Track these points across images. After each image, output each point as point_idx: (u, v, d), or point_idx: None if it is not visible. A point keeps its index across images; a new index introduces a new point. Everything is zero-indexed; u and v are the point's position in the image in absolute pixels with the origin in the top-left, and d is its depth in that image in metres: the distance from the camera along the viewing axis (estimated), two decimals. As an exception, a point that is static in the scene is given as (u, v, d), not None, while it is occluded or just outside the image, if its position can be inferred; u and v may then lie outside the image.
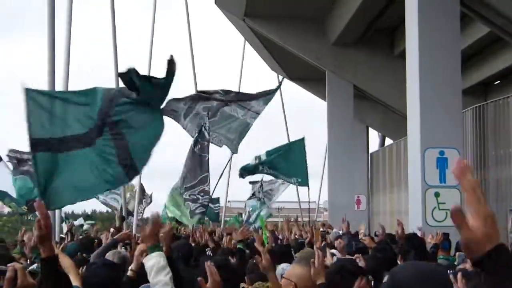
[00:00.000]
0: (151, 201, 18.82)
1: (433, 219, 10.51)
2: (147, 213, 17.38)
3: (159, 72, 5.47)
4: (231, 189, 20.99)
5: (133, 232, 13.29)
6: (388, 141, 26.84)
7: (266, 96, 10.77)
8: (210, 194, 10.38)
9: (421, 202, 10.61)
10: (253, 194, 16.50)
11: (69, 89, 9.49)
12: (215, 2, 20.02)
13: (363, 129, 26.21)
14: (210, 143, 10.66)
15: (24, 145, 10.86)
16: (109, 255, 5.72)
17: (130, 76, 5.31)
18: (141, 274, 4.91)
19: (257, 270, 4.57)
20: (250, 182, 17.65)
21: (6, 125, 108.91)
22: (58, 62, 8.74)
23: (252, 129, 11.26)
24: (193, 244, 8.14)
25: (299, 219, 20.92)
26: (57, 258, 2.80)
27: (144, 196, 17.69)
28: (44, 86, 8.40)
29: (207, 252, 7.61)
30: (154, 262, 3.54)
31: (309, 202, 14.61)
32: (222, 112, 10.93)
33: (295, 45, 20.54)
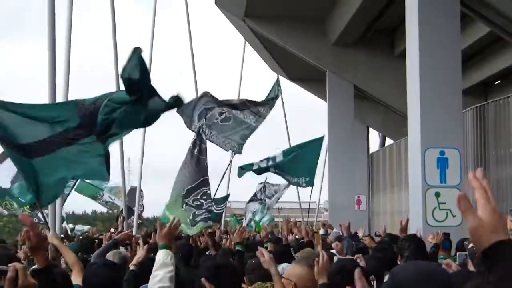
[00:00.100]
0: (143, 209, 18.91)
1: (433, 219, 10.51)
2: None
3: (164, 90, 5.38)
4: (231, 190, 20.93)
5: (133, 232, 13.32)
6: (389, 141, 26.86)
7: (272, 101, 11.16)
8: (212, 197, 10.44)
9: (422, 202, 10.61)
10: (255, 195, 16.41)
11: (69, 89, 9.51)
12: (215, 3, 20.03)
13: (363, 129, 26.21)
14: (218, 147, 10.94)
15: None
16: (109, 255, 5.73)
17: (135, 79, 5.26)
18: (142, 272, 4.93)
19: (257, 271, 4.57)
20: (260, 183, 17.54)
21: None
22: (59, 62, 8.74)
23: (252, 130, 11.55)
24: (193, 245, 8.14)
25: (300, 219, 20.91)
26: (52, 268, 2.80)
27: (140, 202, 17.67)
28: (44, 86, 8.42)
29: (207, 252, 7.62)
30: (161, 256, 3.70)
31: (309, 202, 14.64)
32: (235, 119, 11.18)
33: (296, 46, 20.55)
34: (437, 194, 10.62)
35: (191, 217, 9.21)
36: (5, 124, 5.31)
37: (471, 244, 6.21)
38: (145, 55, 18.50)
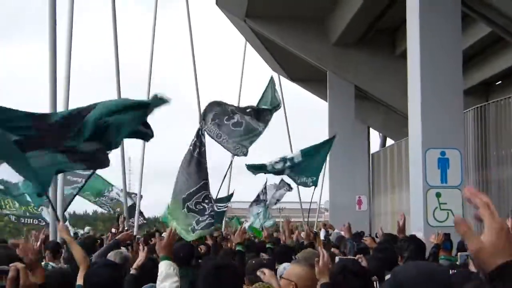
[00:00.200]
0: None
1: (434, 219, 10.51)
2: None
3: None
4: (232, 190, 20.93)
5: (134, 233, 13.32)
6: (389, 142, 26.85)
7: (277, 107, 11.45)
8: (213, 201, 10.47)
9: (423, 203, 10.61)
10: (258, 196, 16.33)
11: (70, 88, 9.52)
12: (216, 3, 20.02)
13: (364, 130, 26.20)
14: (221, 147, 11.12)
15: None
16: (111, 255, 5.74)
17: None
18: (144, 274, 4.94)
19: (257, 271, 4.58)
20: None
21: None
22: (59, 62, 8.76)
23: (253, 130, 11.73)
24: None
25: (300, 219, 20.89)
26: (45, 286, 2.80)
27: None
28: (45, 86, 8.43)
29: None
30: (164, 268, 3.75)
31: (311, 202, 14.60)
32: (247, 125, 11.32)
33: (296, 46, 20.54)
34: (438, 195, 10.62)
35: (194, 224, 9.12)
36: None
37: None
38: (146, 56, 18.54)
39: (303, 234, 11.02)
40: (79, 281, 4.29)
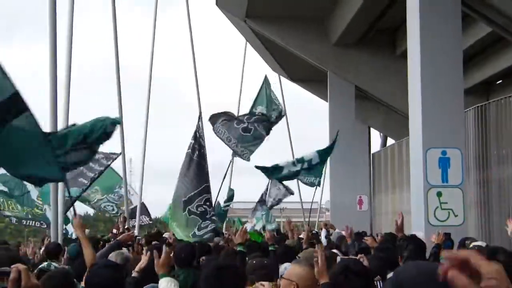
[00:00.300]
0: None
1: (435, 218, 10.51)
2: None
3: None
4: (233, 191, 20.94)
5: (135, 233, 13.32)
6: (390, 141, 26.84)
7: (280, 116, 12.58)
8: (213, 205, 10.55)
9: (423, 202, 10.61)
10: (261, 197, 16.29)
11: (70, 89, 9.53)
12: (216, 3, 20.02)
13: (365, 130, 26.18)
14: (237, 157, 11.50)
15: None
16: (112, 256, 5.74)
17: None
18: (145, 275, 4.94)
19: (257, 271, 4.58)
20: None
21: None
22: (60, 62, 8.76)
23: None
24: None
25: (301, 219, 20.89)
26: None
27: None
28: (45, 87, 8.43)
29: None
30: (164, 286, 3.91)
31: (312, 202, 14.60)
32: (255, 131, 11.58)
33: (297, 46, 20.54)
34: (439, 194, 10.62)
35: (195, 230, 9.12)
36: None
37: (473, 244, 6.22)
38: (147, 56, 18.54)
39: (302, 235, 11.02)
40: None
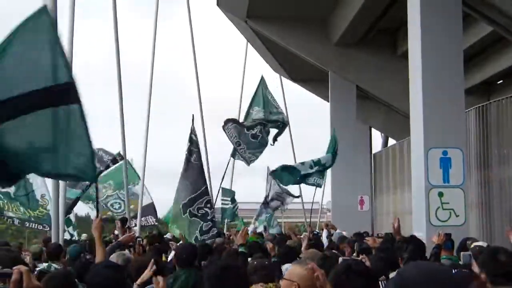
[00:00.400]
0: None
1: (436, 219, 10.51)
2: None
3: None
4: (233, 190, 20.95)
5: (136, 234, 13.33)
6: (391, 142, 26.83)
7: (283, 126, 12.79)
8: (214, 206, 10.68)
9: (425, 202, 10.61)
10: (265, 199, 16.28)
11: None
12: (217, 4, 20.03)
13: (366, 130, 26.18)
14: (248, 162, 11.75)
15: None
16: (113, 257, 5.75)
17: None
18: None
19: (258, 272, 4.58)
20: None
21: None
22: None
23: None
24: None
25: (302, 219, 20.88)
26: None
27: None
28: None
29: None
30: None
31: (312, 202, 14.59)
32: (262, 138, 11.93)
33: (297, 46, 20.54)
34: (440, 194, 10.62)
35: (198, 232, 9.21)
36: None
37: (474, 244, 6.22)
38: (147, 56, 18.55)
39: (304, 235, 11.02)
40: None
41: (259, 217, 15.27)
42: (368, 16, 18.18)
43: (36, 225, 12.85)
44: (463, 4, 11.48)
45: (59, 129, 4.80)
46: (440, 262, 6.32)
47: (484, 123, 13.61)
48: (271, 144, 12.51)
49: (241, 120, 13.27)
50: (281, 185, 15.29)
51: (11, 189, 12.48)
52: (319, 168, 12.78)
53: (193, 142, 9.84)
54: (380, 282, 4.59)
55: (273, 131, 13.11)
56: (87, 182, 11.53)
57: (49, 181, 10.77)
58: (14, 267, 2.34)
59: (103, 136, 37.38)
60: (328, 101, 22.56)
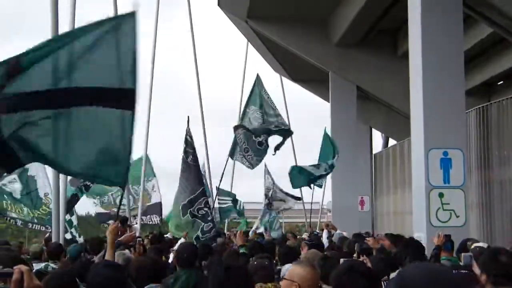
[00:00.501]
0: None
1: (437, 219, 10.50)
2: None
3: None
4: (234, 190, 20.99)
5: (137, 234, 13.33)
6: (392, 142, 26.83)
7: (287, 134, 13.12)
8: (213, 206, 10.78)
9: (425, 203, 10.60)
10: (268, 201, 16.27)
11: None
12: (218, 4, 20.04)
13: (366, 130, 26.18)
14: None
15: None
16: (113, 257, 5.73)
17: None
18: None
19: (259, 272, 4.59)
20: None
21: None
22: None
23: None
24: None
25: (303, 219, 20.85)
26: None
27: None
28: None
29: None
30: None
31: (311, 203, 14.61)
32: (267, 145, 12.27)
33: (298, 47, 20.54)
34: (441, 195, 10.61)
35: (199, 232, 9.29)
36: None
37: (474, 245, 6.22)
38: (147, 57, 18.59)
39: (304, 235, 11.06)
40: None
41: (263, 218, 15.27)
42: (368, 16, 18.18)
43: (39, 226, 12.84)
44: (463, 5, 11.47)
45: (110, 131, 4.84)
46: (440, 263, 6.32)
47: (484, 124, 13.62)
48: (272, 154, 12.78)
49: (238, 120, 13.39)
50: (283, 189, 15.46)
51: (17, 190, 12.50)
52: (330, 170, 13.07)
53: (188, 143, 9.89)
54: (382, 283, 4.60)
55: (275, 138, 13.24)
56: (81, 180, 11.56)
57: (49, 181, 10.80)
58: (15, 267, 2.33)
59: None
60: (328, 102, 22.56)
